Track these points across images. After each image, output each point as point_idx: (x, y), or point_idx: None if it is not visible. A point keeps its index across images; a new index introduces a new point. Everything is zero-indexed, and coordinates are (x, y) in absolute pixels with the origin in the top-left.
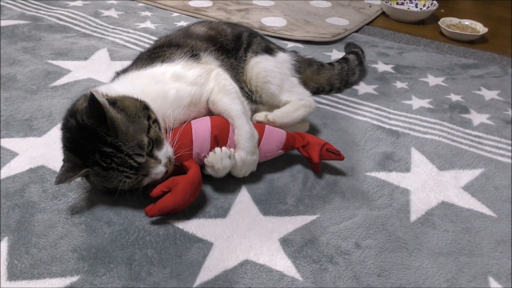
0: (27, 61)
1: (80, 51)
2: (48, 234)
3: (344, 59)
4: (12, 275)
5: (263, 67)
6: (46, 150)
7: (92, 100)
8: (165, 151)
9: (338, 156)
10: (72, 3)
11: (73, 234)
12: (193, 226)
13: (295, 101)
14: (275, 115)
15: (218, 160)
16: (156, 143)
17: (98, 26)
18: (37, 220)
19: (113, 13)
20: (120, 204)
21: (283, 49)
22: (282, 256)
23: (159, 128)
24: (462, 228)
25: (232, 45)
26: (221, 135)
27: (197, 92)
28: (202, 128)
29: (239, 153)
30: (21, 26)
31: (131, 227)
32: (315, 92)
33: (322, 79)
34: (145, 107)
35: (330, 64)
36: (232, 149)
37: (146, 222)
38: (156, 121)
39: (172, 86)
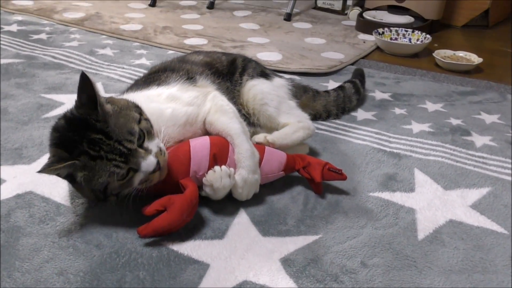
0: (19, 95)
1: (74, 85)
2: (33, 258)
3: (340, 87)
4: None
5: (259, 90)
6: (35, 177)
7: (83, 76)
8: (157, 142)
9: (341, 175)
10: (67, 44)
11: (60, 258)
12: (188, 248)
13: (294, 123)
14: (274, 136)
15: (218, 178)
16: (148, 135)
17: (93, 63)
18: (21, 244)
19: (108, 51)
20: (111, 227)
21: (278, 75)
22: (284, 276)
23: (151, 126)
24: (473, 245)
25: (227, 70)
26: (220, 153)
27: (193, 112)
28: (200, 145)
29: (240, 172)
30: (15, 64)
31: (122, 250)
32: (313, 119)
33: (318, 105)
34: (137, 106)
35: (326, 91)
36: (232, 169)
37: (138, 244)
38: (147, 119)
39: (168, 106)
